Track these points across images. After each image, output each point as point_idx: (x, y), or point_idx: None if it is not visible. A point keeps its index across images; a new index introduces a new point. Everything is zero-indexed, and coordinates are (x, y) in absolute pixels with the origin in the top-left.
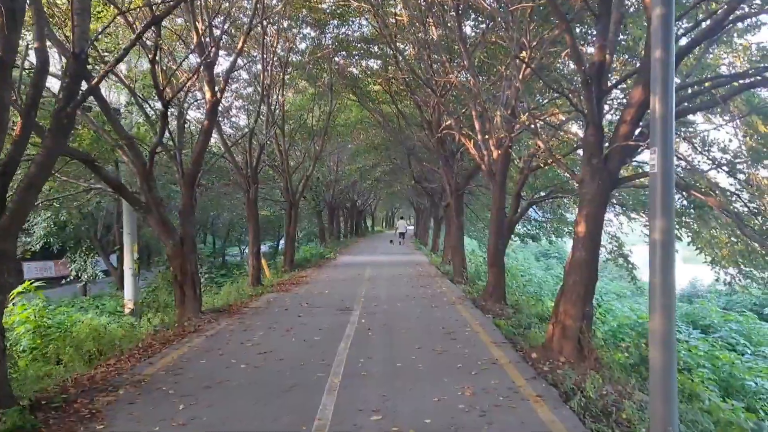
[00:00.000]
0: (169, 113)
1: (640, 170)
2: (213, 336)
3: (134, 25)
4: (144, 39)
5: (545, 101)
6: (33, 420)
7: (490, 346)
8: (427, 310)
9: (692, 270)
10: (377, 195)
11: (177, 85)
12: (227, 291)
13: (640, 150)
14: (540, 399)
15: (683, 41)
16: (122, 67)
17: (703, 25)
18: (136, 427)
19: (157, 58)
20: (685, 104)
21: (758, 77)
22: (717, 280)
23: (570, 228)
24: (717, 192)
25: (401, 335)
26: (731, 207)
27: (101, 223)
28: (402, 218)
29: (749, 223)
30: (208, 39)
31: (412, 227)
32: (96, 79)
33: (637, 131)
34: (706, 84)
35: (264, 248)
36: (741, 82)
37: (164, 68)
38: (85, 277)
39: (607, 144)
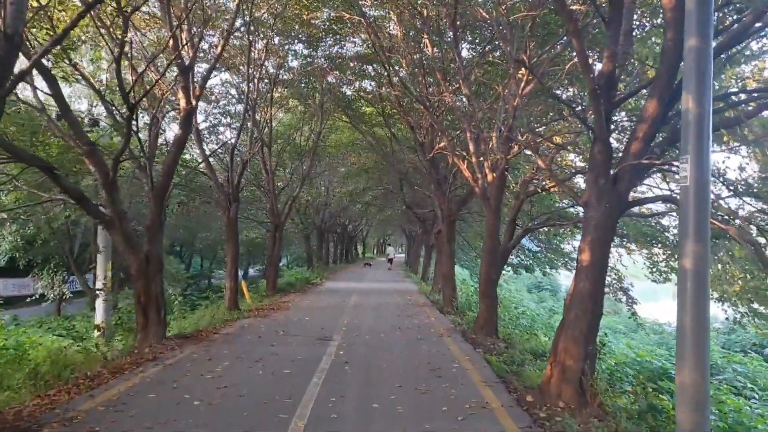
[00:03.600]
0: (141, 121)
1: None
2: (171, 365)
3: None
4: (115, 35)
5: (542, 126)
6: None
7: (480, 386)
8: (413, 342)
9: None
10: (369, 221)
11: (151, 90)
12: (200, 315)
13: (650, 171)
14: None
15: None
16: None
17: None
18: None
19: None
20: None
21: None
22: (727, 319)
23: (565, 259)
24: (737, 221)
25: (382, 371)
26: (753, 237)
27: (78, 240)
28: (390, 245)
29: None
30: (184, 40)
31: (403, 255)
32: (32, 60)
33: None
34: (741, 95)
35: (252, 272)
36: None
37: (135, 69)
38: (52, 295)
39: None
